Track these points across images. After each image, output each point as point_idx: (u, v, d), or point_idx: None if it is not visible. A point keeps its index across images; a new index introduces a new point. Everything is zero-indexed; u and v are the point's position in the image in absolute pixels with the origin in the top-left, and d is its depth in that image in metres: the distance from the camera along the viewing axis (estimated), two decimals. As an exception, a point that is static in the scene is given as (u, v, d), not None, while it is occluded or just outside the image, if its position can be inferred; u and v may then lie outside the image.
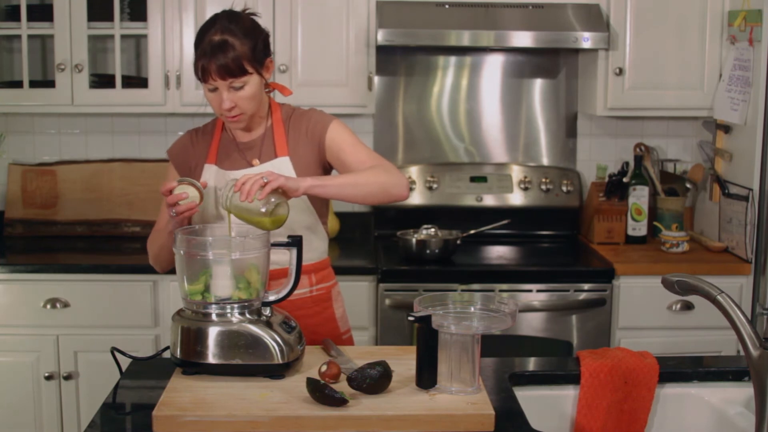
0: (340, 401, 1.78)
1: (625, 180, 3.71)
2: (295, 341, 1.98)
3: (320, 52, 3.50)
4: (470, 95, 3.90)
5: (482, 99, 3.90)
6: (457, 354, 1.87)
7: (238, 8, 2.33)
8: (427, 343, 1.86)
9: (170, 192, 2.15)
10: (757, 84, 3.31)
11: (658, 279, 1.82)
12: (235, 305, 1.96)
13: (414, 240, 3.43)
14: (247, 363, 1.93)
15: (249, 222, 2.08)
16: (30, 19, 3.48)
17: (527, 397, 2.00)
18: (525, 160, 3.93)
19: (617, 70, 3.55)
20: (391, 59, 3.84)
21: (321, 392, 1.79)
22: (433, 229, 3.48)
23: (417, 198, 3.80)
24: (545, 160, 3.94)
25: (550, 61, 3.89)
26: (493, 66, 3.89)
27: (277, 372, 1.94)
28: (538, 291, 3.34)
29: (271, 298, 2.02)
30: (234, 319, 1.95)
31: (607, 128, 3.95)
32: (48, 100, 3.50)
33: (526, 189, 3.83)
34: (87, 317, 3.27)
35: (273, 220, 2.06)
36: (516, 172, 3.86)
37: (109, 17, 3.48)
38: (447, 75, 3.89)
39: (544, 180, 3.84)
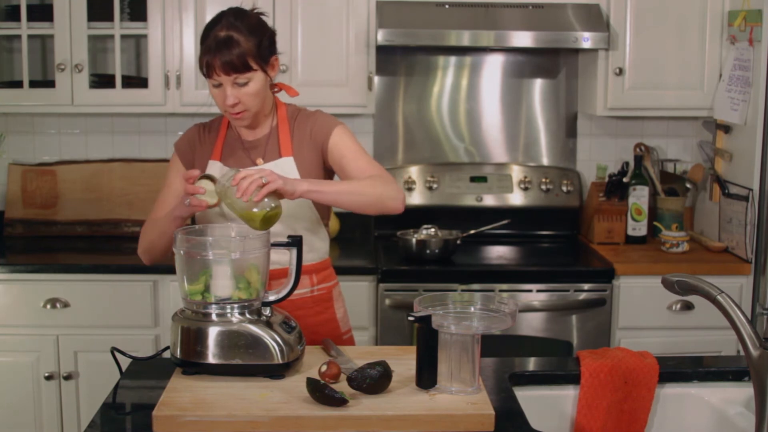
0: (340, 401, 1.78)
1: (625, 180, 3.71)
2: (295, 341, 1.98)
3: (320, 52, 3.50)
4: (470, 95, 3.90)
5: (482, 99, 3.90)
6: (457, 354, 1.87)
7: (246, 7, 2.34)
8: (427, 343, 1.86)
9: (192, 181, 2.15)
10: (757, 84, 3.31)
11: (658, 279, 1.82)
12: (235, 305, 1.96)
13: (414, 240, 3.43)
14: (247, 363, 1.93)
15: (239, 216, 2.09)
16: (30, 19, 3.48)
17: (527, 397, 2.00)
18: (525, 160, 3.93)
19: (617, 70, 3.55)
20: (391, 59, 3.84)
21: (321, 392, 1.79)
22: (433, 229, 3.48)
23: (417, 198, 3.80)
24: (545, 160, 3.94)
25: (550, 61, 3.89)
26: (493, 66, 3.89)
27: (277, 372, 1.94)
28: (538, 291, 3.34)
29: (271, 298, 2.02)
30: (234, 319, 1.95)
31: (607, 128, 3.95)
32: (48, 100, 3.50)
33: (526, 189, 3.83)
34: (87, 317, 3.27)
35: (264, 221, 2.06)
36: (516, 172, 3.86)
37: (109, 17, 3.48)
38: (447, 75, 3.89)
39: (544, 180, 3.84)
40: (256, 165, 2.33)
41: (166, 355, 2.03)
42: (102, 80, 3.61)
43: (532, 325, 3.34)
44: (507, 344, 3.27)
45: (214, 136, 2.41)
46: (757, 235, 3.35)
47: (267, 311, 2.01)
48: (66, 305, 3.26)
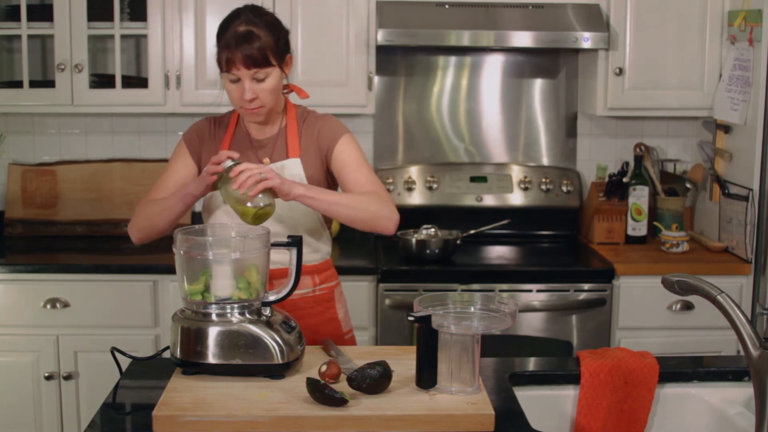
0: (340, 401, 1.78)
1: (625, 180, 3.71)
2: (295, 341, 1.98)
3: (320, 52, 3.50)
4: (470, 95, 3.90)
5: (482, 99, 3.90)
6: (457, 354, 1.87)
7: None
8: (427, 343, 1.86)
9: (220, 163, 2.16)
10: (757, 84, 3.31)
11: (658, 279, 1.82)
12: (235, 305, 1.96)
13: (414, 240, 3.43)
14: (247, 363, 1.93)
15: (233, 208, 2.13)
16: (30, 19, 3.48)
17: (527, 397, 2.00)
18: (525, 160, 3.93)
19: (617, 70, 3.55)
20: (391, 59, 3.84)
21: (321, 392, 1.79)
22: (433, 229, 3.48)
23: (417, 198, 3.80)
24: (545, 160, 3.94)
25: (550, 61, 3.89)
26: (493, 66, 3.89)
27: (277, 372, 1.94)
28: (538, 291, 3.34)
29: (271, 298, 2.02)
30: (234, 319, 1.95)
31: (607, 128, 3.95)
32: (48, 100, 3.50)
33: (526, 189, 3.83)
34: (87, 317, 3.27)
35: (256, 217, 2.10)
36: (516, 172, 3.86)
37: (109, 17, 3.48)
38: (447, 75, 3.89)
39: (544, 180, 3.84)
40: (263, 163, 2.33)
41: (166, 355, 2.03)
42: (102, 80, 3.61)
43: (532, 325, 3.34)
44: (507, 344, 3.27)
45: (222, 132, 2.42)
46: (757, 235, 3.35)
47: (267, 311, 2.01)
48: (66, 305, 3.26)
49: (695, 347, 3.34)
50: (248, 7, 2.32)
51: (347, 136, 2.38)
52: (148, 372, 2.09)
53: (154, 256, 3.48)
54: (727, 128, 3.56)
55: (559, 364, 2.19)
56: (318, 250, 2.41)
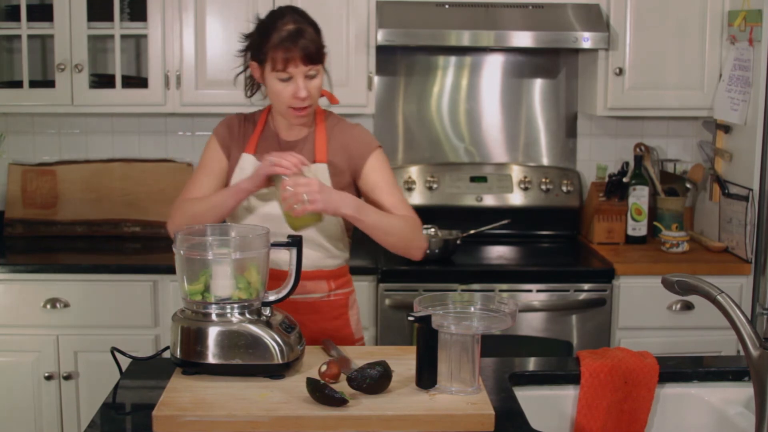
0: (340, 401, 1.78)
1: (625, 180, 3.71)
2: (295, 341, 1.98)
3: (320, 52, 3.50)
4: (470, 95, 3.90)
5: (482, 99, 3.90)
6: (457, 354, 1.87)
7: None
8: (427, 343, 1.86)
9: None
10: (757, 84, 3.31)
11: (658, 279, 1.82)
12: (235, 305, 1.96)
13: (414, 240, 3.42)
14: (247, 363, 1.93)
15: (282, 213, 2.24)
16: (30, 19, 3.48)
17: (527, 397, 2.00)
18: (525, 160, 3.93)
19: (617, 70, 3.55)
20: (391, 59, 3.84)
21: (321, 392, 1.79)
22: (433, 229, 3.48)
23: (417, 198, 3.79)
24: (545, 160, 3.94)
25: (550, 61, 3.89)
26: (493, 66, 3.89)
27: (277, 372, 1.94)
28: (538, 291, 3.34)
29: (271, 298, 2.02)
30: (234, 319, 1.95)
31: (607, 128, 3.95)
32: (48, 100, 3.50)
33: (526, 189, 3.83)
34: (87, 317, 3.27)
35: (299, 227, 2.22)
36: (516, 172, 3.86)
37: (109, 17, 3.48)
38: (447, 75, 3.89)
39: (544, 180, 3.84)
40: (310, 176, 2.35)
41: (166, 355, 2.03)
42: (102, 80, 3.61)
43: (532, 325, 3.34)
44: (507, 344, 3.27)
45: (251, 128, 2.42)
46: (757, 235, 3.35)
47: (267, 311, 2.01)
48: (66, 305, 3.26)
49: (695, 347, 3.34)
50: (290, 8, 2.35)
51: (378, 151, 2.40)
52: (148, 372, 2.09)
53: (154, 256, 3.49)
54: (727, 128, 3.56)
55: (559, 364, 2.19)
56: (336, 257, 2.43)
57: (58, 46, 3.45)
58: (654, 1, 3.53)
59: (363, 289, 3.31)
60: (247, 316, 1.96)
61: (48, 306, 3.25)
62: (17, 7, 3.48)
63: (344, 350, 2.15)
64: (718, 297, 1.63)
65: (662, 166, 3.89)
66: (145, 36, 3.51)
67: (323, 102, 2.46)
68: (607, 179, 3.77)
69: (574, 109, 3.92)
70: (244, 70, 2.41)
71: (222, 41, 3.49)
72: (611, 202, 3.71)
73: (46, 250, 3.60)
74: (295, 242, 2.04)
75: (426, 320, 1.85)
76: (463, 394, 1.85)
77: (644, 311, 3.36)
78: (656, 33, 3.55)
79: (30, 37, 3.55)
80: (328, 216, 2.30)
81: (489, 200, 3.82)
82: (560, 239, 3.88)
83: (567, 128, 3.94)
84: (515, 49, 3.82)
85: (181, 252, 1.96)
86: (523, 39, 3.45)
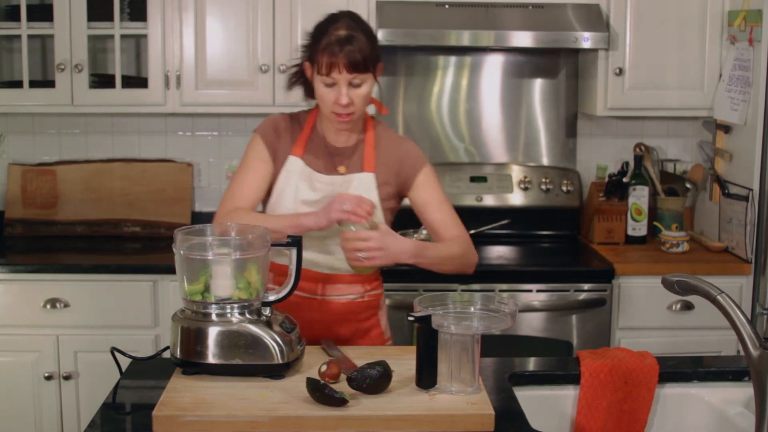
0: (340, 401, 1.78)
1: (625, 180, 3.71)
2: (295, 341, 1.98)
3: (320, 52, 3.49)
4: (470, 95, 3.90)
5: (482, 99, 3.90)
6: (457, 354, 1.87)
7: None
8: (427, 343, 1.86)
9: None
10: (757, 84, 3.31)
11: (658, 279, 1.82)
12: (235, 305, 1.96)
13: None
14: (247, 363, 1.93)
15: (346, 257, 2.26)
16: (30, 19, 3.48)
17: (527, 397, 2.00)
18: (525, 160, 3.93)
19: (617, 70, 3.55)
20: (391, 59, 3.83)
21: (321, 392, 1.79)
22: (433, 229, 3.47)
23: (417, 198, 3.79)
24: (545, 160, 3.94)
25: (550, 61, 3.89)
26: (493, 66, 3.89)
27: (277, 372, 1.94)
28: (538, 291, 3.34)
29: (271, 298, 2.02)
30: (234, 319, 1.95)
31: (607, 128, 3.95)
32: (48, 100, 3.50)
33: (526, 189, 3.83)
34: (87, 317, 3.27)
35: (358, 272, 2.29)
36: (516, 172, 3.86)
37: (109, 17, 3.48)
38: (447, 75, 3.89)
39: (544, 180, 3.84)
40: (338, 172, 2.36)
41: (166, 355, 2.03)
42: (102, 80, 3.61)
43: (532, 325, 3.34)
44: (507, 344, 3.27)
45: (298, 130, 2.40)
46: (757, 235, 3.35)
47: (267, 311, 2.01)
48: (66, 305, 3.26)
49: (695, 347, 3.34)
50: (346, 12, 2.34)
51: (428, 167, 2.41)
52: (148, 372, 2.09)
53: (154, 256, 3.49)
54: (727, 128, 3.56)
55: (559, 364, 2.20)
56: None
57: (58, 46, 3.45)
58: (654, 1, 3.53)
59: (363, 289, 3.31)
60: (247, 316, 1.96)
61: (48, 306, 3.25)
62: (17, 7, 3.48)
63: (344, 350, 2.15)
64: (718, 297, 1.63)
65: (662, 166, 3.89)
66: (145, 36, 3.51)
67: (370, 109, 2.47)
68: (607, 179, 3.77)
69: (574, 109, 3.92)
70: (299, 65, 2.40)
71: (222, 41, 3.49)
72: (611, 202, 3.71)
73: (46, 250, 3.60)
74: (295, 242, 2.04)
75: (426, 320, 1.85)
76: (463, 394, 1.85)
77: (644, 311, 3.36)
78: (656, 33, 3.55)
79: (30, 37, 3.55)
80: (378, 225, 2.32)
81: (489, 200, 3.82)
82: (560, 239, 3.88)
83: (567, 128, 3.94)
84: (515, 49, 3.82)
85: (181, 252, 1.96)
86: (523, 39, 3.45)
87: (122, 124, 3.85)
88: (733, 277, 3.37)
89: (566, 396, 2.07)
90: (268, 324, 1.96)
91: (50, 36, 3.50)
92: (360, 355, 2.09)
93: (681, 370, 2.12)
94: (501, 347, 3.13)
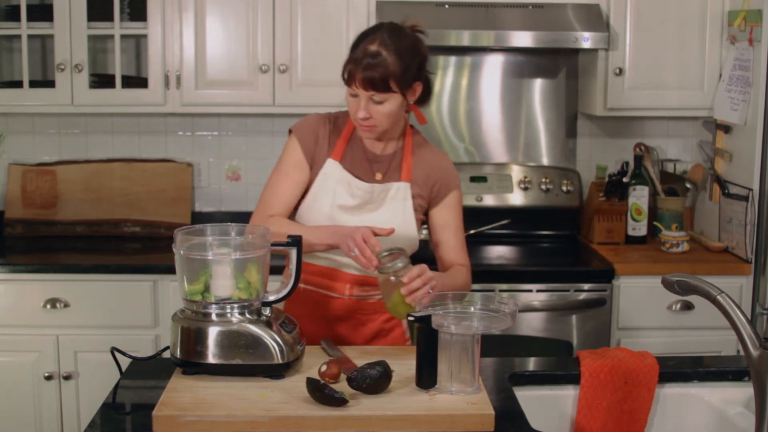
0: (340, 401, 1.78)
1: (625, 180, 3.71)
2: (295, 341, 1.98)
3: (320, 52, 3.50)
4: (470, 95, 3.90)
5: (482, 99, 3.90)
6: (457, 354, 1.87)
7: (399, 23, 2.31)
8: (427, 343, 1.86)
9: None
10: (757, 84, 3.31)
11: (658, 279, 1.82)
12: (235, 305, 1.96)
13: (414, 240, 3.42)
14: (247, 363, 1.93)
15: (388, 302, 2.14)
16: (30, 19, 3.48)
17: (527, 397, 2.00)
18: (525, 160, 3.93)
19: (617, 70, 3.55)
20: (391, 59, 3.83)
21: (321, 392, 1.79)
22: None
23: (417, 198, 3.79)
24: (545, 160, 3.94)
25: (550, 61, 3.89)
26: (493, 66, 3.89)
27: (277, 372, 1.94)
28: (538, 291, 3.34)
29: (271, 298, 2.02)
30: (234, 319, 1.95)
31: (607, 128, 3.95)
32: (48, 100, 3.50)
33: (526, 189, 3.83)
34: (87, 317, 3.27)
35: (404, 314, 2.12)
36: (516, 172, 3.86)
37: (109, 17, 3.48)
38: (447, 75, 3.89)
39: (544, 180, 3.84)
40: (375, 179, 2.34)
41: (166, 355, 2.03)
42: (102, 80, 3.61)
43: (532, 325, 3.34)
44: (507, 344, 3.26)
45: (337, 133, 2.38)
46: (757, 235, 3.35)
47: (267, 311, 2.01)
48: (66, 305, 3.26)
49: (695, 347, 3.34)
50: (389, 25, 2.30)
51: (459, 190, 2.42)
52: (148, 372, 2.09)
53: (154, 256, 3.49)
54: (727, 128, 3.56)
55: (559, 364, 2.20)
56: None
57: (58, 46, 3.45)
58: (654, 1, 3.53)
59: (363, 289, 3.31)
60: (247, 316, 1.96)
61: (48, 306, 3.25)
62: (17, 7, 3.48)
63: (344, 350, 2.15)
64: (718, 297, 1.63)
65: (662, 166, 3.89)
66: (145, 36, 3.51)
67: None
68: (607, 179, 3.77)
69: (573, 109, 3.92)
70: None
71: (222, 41, 3.49)
72: (611, 202, 3.71)
73: (46, 250, 3.60)
74: (295, 242, 2.04)
75: (426, 320, 1.85)
76: (463, 394, 1.85)
77: (644, 311, 3.36)
78: (656, 33, 3.55)
79: (30, 37, 3.55)
80: (403, 233, 2.29)
81: (489, 200, 3.82)
82: (560, 239, 3.88)
83: (567, 128, 3.94)
84: (515, 49, 3.82)
85: (181, 252, 1.96)
86: (523, 39, 3.45)
87: (122, 124, 3.85)
88: (733, 277, 3.37)
89: (566, 396, 2.07)
90: (268, 324, 1.96)
91: (50, 36, 3.50)
92: (360, 355, 2.09)
93: (681, 370, 2.12)
94: (501, 347, 3.13)
